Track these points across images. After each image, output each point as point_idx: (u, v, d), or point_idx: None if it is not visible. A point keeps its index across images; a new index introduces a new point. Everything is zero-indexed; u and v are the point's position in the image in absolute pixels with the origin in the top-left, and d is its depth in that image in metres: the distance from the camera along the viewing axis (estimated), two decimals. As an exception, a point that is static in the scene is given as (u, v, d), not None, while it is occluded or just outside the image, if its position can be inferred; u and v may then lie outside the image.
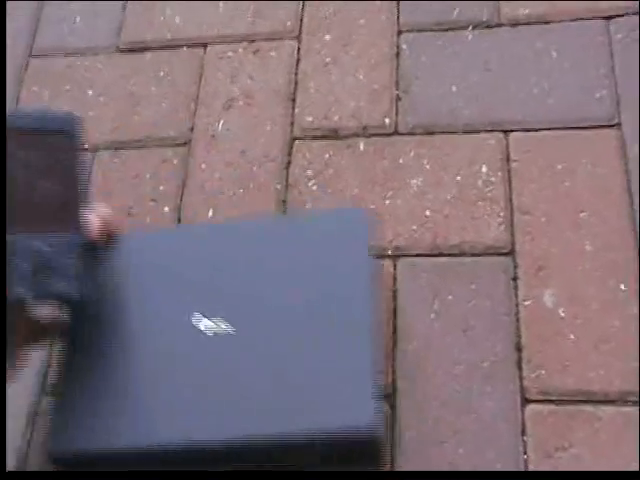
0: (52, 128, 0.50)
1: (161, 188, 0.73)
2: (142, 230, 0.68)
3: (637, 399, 0.57)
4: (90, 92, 0.80)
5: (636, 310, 0.61)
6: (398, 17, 0.80)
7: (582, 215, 0.66)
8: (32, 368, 0.65)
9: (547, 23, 0.77)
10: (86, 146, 0.77)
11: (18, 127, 0.48)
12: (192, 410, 0.52)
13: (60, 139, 0.50)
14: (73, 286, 0.49)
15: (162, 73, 0.80)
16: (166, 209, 0.71)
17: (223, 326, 0.55)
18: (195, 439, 0.51)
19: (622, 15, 0.76)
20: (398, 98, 0.75)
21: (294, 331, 0.54)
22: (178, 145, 0.76)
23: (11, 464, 0.61)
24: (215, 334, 0.54)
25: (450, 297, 0.63)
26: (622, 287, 0.62)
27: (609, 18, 0.76)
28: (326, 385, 0.51)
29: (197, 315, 0.55)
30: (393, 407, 0.60)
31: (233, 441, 0.51)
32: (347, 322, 0.53)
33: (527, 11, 0.78)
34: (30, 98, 0.81)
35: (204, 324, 0.55)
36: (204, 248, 0.59)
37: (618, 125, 0.70)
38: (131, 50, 0.83)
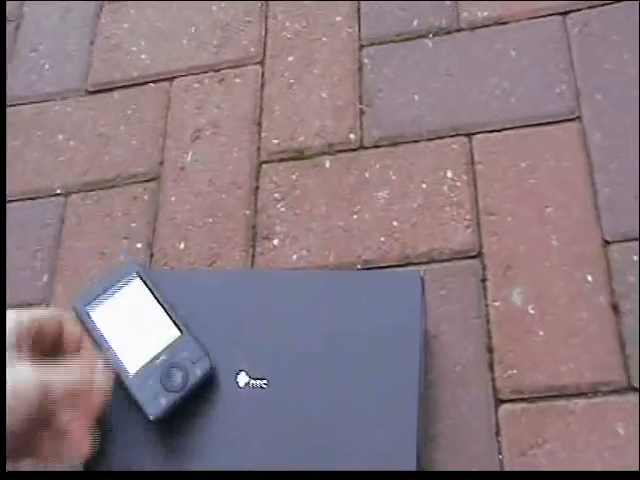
0: None
1: (133, 225, 0.74)
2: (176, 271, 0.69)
3: (608, 389, 0.57)
4: (60, 137, 0.82)
5: (603, 300, 0.61)
6: (359, 32, 0.82)
7: (547, 210, 0.67)
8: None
9: (505, 24, 0.78)
10: (58, 191, 0.78)
11: None
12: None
13: None
14: None
15: (130, 111, 0.82)
16: (139, 245, 0.73)
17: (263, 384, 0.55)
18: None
19: (578, 10, 0.76)
20: (362, 112, 0.76)
21: (341, 395, 0.53)
22: (148, 180, 0.77)
23: None
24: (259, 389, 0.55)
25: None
26: (589, 279, 0.62)
27: (565, 14, 0.76)
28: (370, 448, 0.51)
29: (242, 375, 0.55)
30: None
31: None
32: (393, 391, 0.53)
33: (485, 14, 0.79)
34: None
35: (247, 383, 0.55)
36: (250, 295, 0.59)
37: (579, 118, 0.71)
38: (99, 91, 0.84)
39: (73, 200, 0.78)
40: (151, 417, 0.52)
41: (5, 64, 0.83)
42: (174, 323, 0.55)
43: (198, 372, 0.54)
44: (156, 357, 0.54)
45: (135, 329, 0.56)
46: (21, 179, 0.80)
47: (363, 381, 0.53)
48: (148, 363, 0.54)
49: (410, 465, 0.50)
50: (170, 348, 0.54)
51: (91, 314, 0.56)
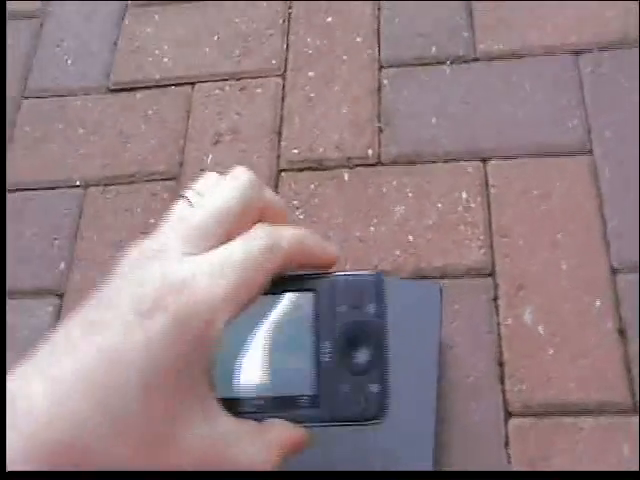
0: None
1: (151, 221, 0.75)
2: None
3: (615, 409, 0.59)
4: (81, 131, 0.83)
5: (610, 324, 0.63)
6: (379, 53, 0.84)
7: (558, 236, 0.69)
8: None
9: (520, 57, 0.81)
10: (77, 183, 0.79)
11: None
12: None
13: None
14: None
15: (151, 111, 0.83)
16: (157, 240, 0.73)
17: None
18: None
19: (590, 50, 0.79)
20: (380, 130, 0.78)
21: None
22: (168, 179, 0.78)
23: None
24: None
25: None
26: (597, 303, 0.65)
27: (578, 53, 0.79)
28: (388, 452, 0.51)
29: None
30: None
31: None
32: (411, 396, 0.52)
33: (501, 46, 0.82)
34: (23, 137, 0.83)
35: None
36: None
37: (590, 152, 0.74)
38: (121, 90, 0.86)
39: (92, 192, 0.78)
40: None
41: (5, 64, 0.83)
42: None
43: None
44: None
45: None
46: (41, 169, 0.81)
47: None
48: None
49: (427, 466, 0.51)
50: None
51: None
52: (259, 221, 0.38)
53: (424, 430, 0.52)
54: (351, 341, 0.38)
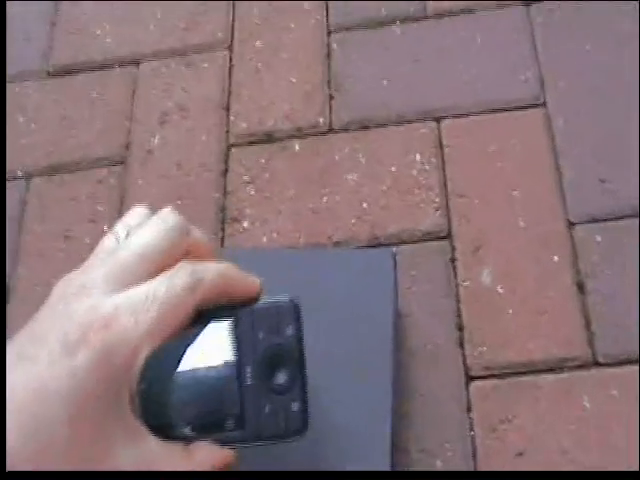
0: None
1: (99, 208, 0.73)
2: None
3: (575, 364, 0.58)
4: (21, 119, 0.81)
5: (569, 279, 0.62)
6: (327, 18, 0.82)
7: (514, 193, 0.68)
8: None
9: (471, 12, 0.79)
10: (19, 174, 0.77)
11: None
12: None
13: None
14: None
15: (95, 94, 0.81)
16: (105, 227, 0.72)
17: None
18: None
19: (541, 0, 0.77)
20: (331, 97, 0.77)
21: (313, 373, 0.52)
22: (114, 164, 0.76)
23: None
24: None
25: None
26: (555, 259, 0.63)
27: (529, 3, 0.78)
28: (343, 431, 0.50)
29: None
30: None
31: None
32: (366, 369, 0.52)
33: (451, 2, 0.80)
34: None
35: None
36: None
37: (544, 104, 0.72)
38: (61, 73, 0.83)
39: (36, 183, 0.76)
40: None
41: (5, 64, 0.80)
42: None
43: None
44: None
45: None
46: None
47: (335, 359, 0.53)
48: None
49: (384, 445, 0.50)
50: None
51: None
52: (184, 257, 0.40)
53: (381, 408, 0.51)
54: (271, 363, 0.40)
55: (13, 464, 0.34)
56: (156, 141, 0.77)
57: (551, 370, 0.59)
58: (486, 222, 0.67)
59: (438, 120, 0.73)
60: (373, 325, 0.55)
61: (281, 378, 0.40)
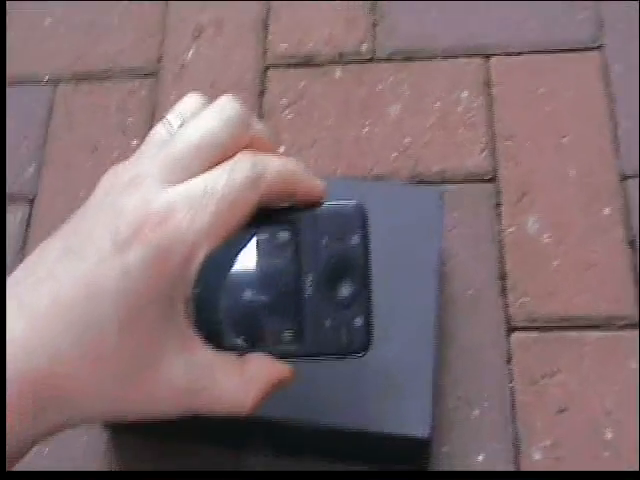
0: None
1: (129, 120, 0.70)
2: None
3: (622, 323, 0.56)
4: (48, 21, 0.76)
5: (620, 234, 0.59)
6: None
7: (564, 140, 0.65)
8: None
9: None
10: (45, 79, 0.73)
11: None
12: None
13: None
14: None
15: (125, 1, 0.76)
16: (135, 142, 0.68)
17: None
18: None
19: None
20: (375, 24, 0.73)
21: None
22: (146, 76, 0.72)
23: None
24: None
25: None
26: (606, 211, 0.61)
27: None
28: (385, 384, 0.48)
29: None
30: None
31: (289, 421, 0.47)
32: (409, 310, 0.50)
33: None
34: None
35: None
36: None
37: (601, 47, 0.68)
38: (93, -23, 0.78)
39: (62, 90, 0.72)
40: None
41: (5, 65, 0.74)
42: None
43: None
44: None
45: None
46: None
47: (376, 295, 0.50)
48: None
49: (426, 390, 0.48)
50: None
51: None
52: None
53: (423, 350, 0.49)
54: (334, 274, 0.37)
55: (61, 363, 0.32)
56: (190, 56, 0.73)
57: (596, 327, 0.56)
58: (533, 168, 0.64)
59: (487, 57, 0.70)
60: (418, 265, 0.52)
61: (345, 290, 0.37)
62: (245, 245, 0.37)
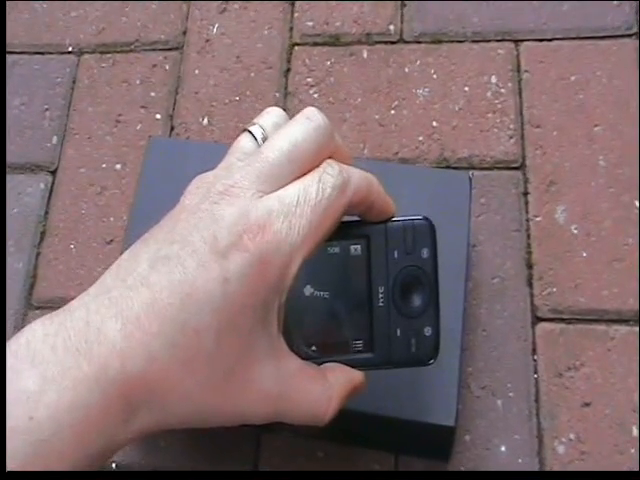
0: None
1: (152, 94, 0.69)
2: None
3: (652, 318, 0.55)
4: (74, -11, 0.75)
5: (651, 227, 0.58)
6: None
7: (596, 129, 0.63)
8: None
9: None
10: (70, 49, 0.72)
11: None
12: None
13: None
14: None
15: (152, -28, 0.75)
16: (158, 116, 0.67)
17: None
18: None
19: None
20: (403, 4, 0.71)
21: None
22: (170, 49, 0.71)
23: None
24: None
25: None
26: (637, 204, 0.60)
27: None
28: (411, 372, 0.47)
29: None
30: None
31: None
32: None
33: None
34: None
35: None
36: None
37: (636, 34, 0.67)
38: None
39: (86, 60, 0.71)
40: None
41: (5, 67, 0.73)
42: None
43: None
44: None
45: None
46: (28, 31, 0.73)
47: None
48: None
49: (452, 377, 0.47)
50: None
51: None
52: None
53: (451, 339, 0.48)
54: (405, 285, 0.38)
55: (154, 364, 0.32)
56: (215, 30, 0.72)
57: (624, 322, 0.55)
58: (563, 157, 0.62)
59: (517, 42, 0.68)
60: (446, 251, 0.51)
61: (415, 302, 0.39)
62: (321, 257, 0.38)
